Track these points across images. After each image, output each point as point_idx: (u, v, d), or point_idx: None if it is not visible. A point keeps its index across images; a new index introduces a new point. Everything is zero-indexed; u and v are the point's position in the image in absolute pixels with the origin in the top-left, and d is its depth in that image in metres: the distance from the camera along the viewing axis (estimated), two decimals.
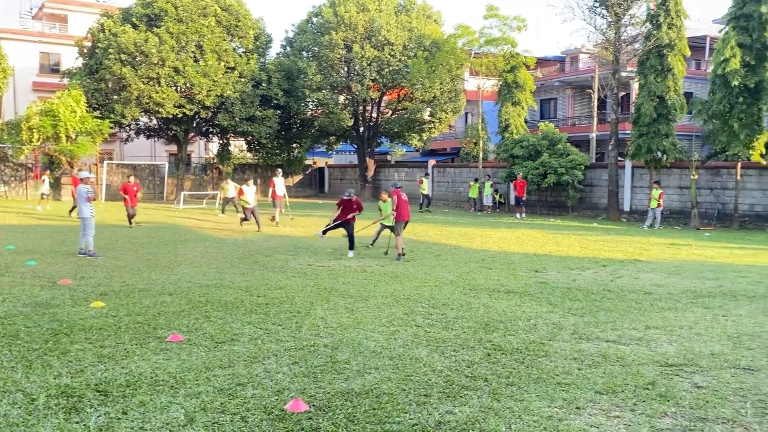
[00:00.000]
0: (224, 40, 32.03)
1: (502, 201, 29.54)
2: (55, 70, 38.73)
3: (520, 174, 25.72)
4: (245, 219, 18.17)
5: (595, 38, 26.23)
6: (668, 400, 4.77)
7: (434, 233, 17.97)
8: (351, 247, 13.00)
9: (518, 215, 25.27)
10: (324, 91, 33.31)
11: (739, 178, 21.39)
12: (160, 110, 30.65)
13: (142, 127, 35.15)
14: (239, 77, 32.15)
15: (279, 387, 4.90)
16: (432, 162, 36.00)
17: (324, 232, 13.71)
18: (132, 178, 19.15)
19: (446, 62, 29.36)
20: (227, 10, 32.40)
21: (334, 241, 14.67)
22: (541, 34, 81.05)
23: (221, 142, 37.09)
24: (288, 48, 36.12)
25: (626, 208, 25.21)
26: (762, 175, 21.48)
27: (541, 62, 37.45)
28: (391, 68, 32.39)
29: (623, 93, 30.95)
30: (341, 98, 35.70)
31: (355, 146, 38.73)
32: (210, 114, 33.07)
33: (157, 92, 30.06)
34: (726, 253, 14.37)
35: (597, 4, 24.39)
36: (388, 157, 43.79)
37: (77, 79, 31.05)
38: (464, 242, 15.78)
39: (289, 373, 5.23)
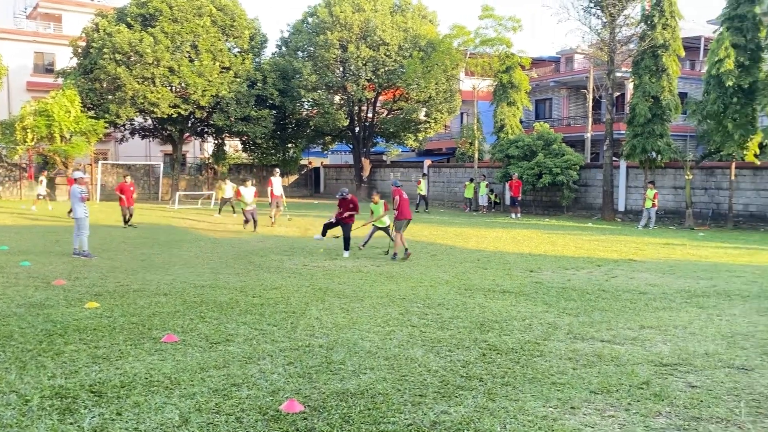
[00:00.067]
0: (219, 40, 31.98)
1: (498, 201, 29.59)
2: (49, 69, 38.54)
3: (516, 174, 25.79)
4: (247, 221, 18.20)
5: (590, 39, 26.31)
6: (663, 400, 4.78)
7: (430, 233, 17.98)
8: (346, 247, 12.98)
9: (513, 215, 25.32)
10: (319, 91, 33.30)
11: (733, 178, 21.48)
12: (155, 110, 30.57)
13: (137, 127, 35.04)
14: (234, 77, 32.08)
15: (274, 387, 4.89)
16: (428, 162, 36.03)
17: (323, 233, 13.69)
18: (128, 178, 19.11)
19: (442, 62, 29.38)
20: (222, 10, 32.33)
21: (329, 241, 14.65)
22: (537, 35, 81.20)
23: (216, 142, 37.02)
24: (283, 48, 36.10)
25: (621, 208, 25.27)
26: (756, 175, 21.58)
27: (537, 62, 37.45)
28: (386, 68, 32.39)
29: (618, 93, 31.01)
30: (337, 98, 35.70)
31: (351, 146, 38.74)
32: (205, 114, 33.00)
33: (152, 92, 29.98)
34: (720, 252, 14.42)
35: (592, 5, 24.45)
36: (384, 157, 43.81)
37: (72, 78, 30.93)
38: (460, 242, 15.80)
39: (284, 374, 5.22)
